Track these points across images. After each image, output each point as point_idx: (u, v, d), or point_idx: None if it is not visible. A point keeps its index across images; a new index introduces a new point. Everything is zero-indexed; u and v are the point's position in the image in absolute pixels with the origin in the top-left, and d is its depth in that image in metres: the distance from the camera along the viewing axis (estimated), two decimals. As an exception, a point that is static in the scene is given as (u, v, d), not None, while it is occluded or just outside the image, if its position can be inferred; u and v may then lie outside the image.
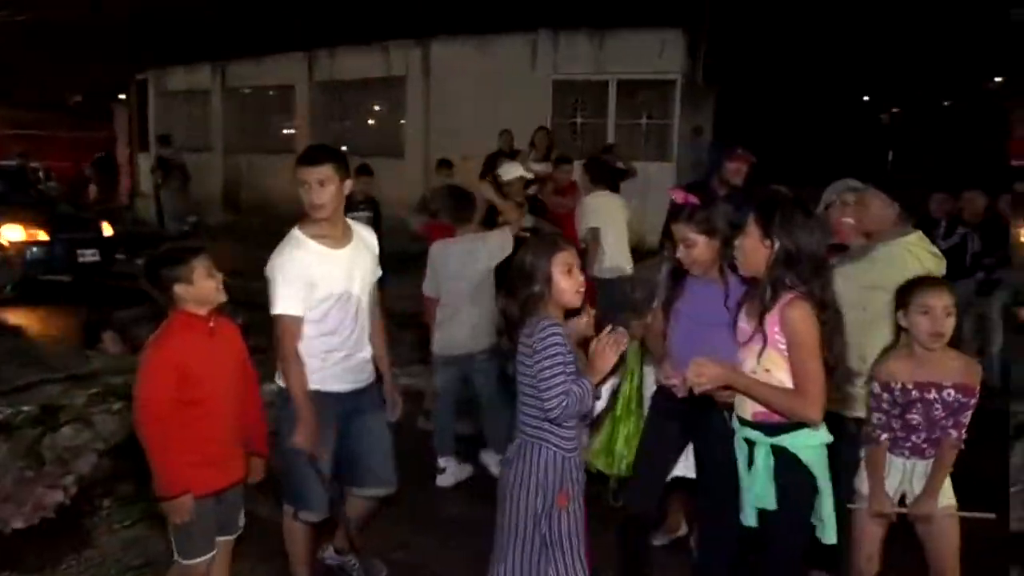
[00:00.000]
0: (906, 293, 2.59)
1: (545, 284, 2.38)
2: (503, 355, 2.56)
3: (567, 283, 2.38)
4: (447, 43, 11.36)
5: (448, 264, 4.10)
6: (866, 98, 16.01)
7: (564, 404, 2.25)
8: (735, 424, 2.51)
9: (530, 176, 5.40)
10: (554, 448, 2.36)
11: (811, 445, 2.33)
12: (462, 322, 4.06)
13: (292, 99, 13.77)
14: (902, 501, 2.67)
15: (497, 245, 4.06)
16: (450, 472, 4.21)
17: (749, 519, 2.46)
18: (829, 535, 2.38)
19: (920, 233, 3.02)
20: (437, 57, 11.53)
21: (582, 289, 2.43)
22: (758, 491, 2.37)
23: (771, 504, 2.35)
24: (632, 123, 10.38)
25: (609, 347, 2.35)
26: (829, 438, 2.36)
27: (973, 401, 2.55)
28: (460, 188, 4.58)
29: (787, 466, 2.33)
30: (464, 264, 4.06)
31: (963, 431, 2.56)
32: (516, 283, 2.40)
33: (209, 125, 15.35)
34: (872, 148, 14.39)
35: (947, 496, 2.61)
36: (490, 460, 4.22)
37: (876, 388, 2.64)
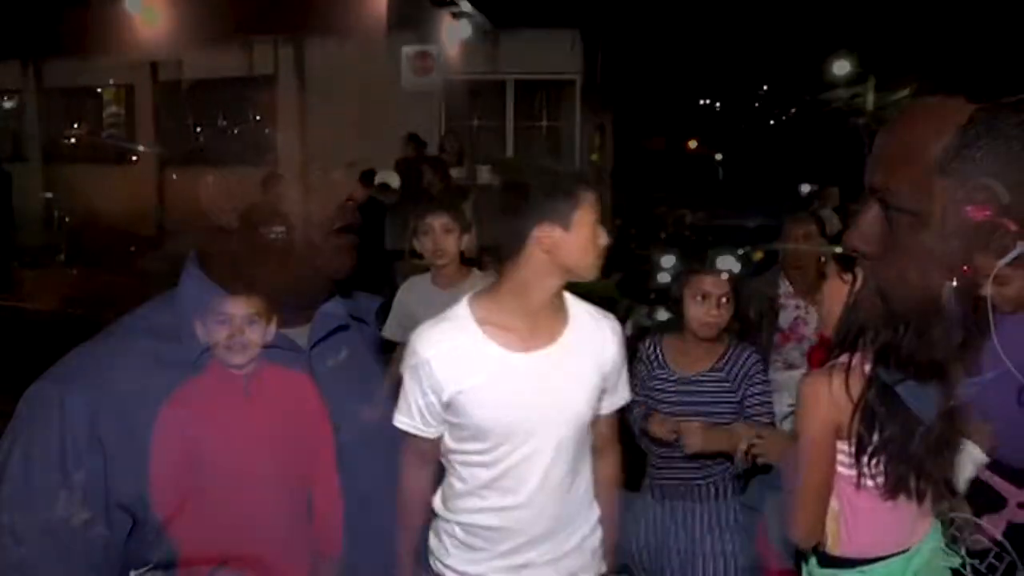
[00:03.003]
0: None
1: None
2: None
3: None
4: (324, 40, 10.34)
5: None
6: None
7: None
8: None
9: None
10: None
11: None
12: None
13: (132, 100, 11.99)
14: None
15: None
16: None
17: None
18: None
19: None
20: (313, 55, 10.47)
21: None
22: None
23: None
24: (531, 125, 9.96)
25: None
26: None
27: None
28: None
29: None
30: None
31: None
32: None
33: (23, 131, 13.08)
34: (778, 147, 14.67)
35: None
36: None
37: None
